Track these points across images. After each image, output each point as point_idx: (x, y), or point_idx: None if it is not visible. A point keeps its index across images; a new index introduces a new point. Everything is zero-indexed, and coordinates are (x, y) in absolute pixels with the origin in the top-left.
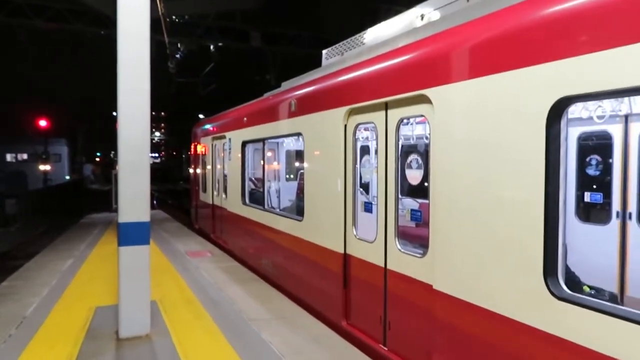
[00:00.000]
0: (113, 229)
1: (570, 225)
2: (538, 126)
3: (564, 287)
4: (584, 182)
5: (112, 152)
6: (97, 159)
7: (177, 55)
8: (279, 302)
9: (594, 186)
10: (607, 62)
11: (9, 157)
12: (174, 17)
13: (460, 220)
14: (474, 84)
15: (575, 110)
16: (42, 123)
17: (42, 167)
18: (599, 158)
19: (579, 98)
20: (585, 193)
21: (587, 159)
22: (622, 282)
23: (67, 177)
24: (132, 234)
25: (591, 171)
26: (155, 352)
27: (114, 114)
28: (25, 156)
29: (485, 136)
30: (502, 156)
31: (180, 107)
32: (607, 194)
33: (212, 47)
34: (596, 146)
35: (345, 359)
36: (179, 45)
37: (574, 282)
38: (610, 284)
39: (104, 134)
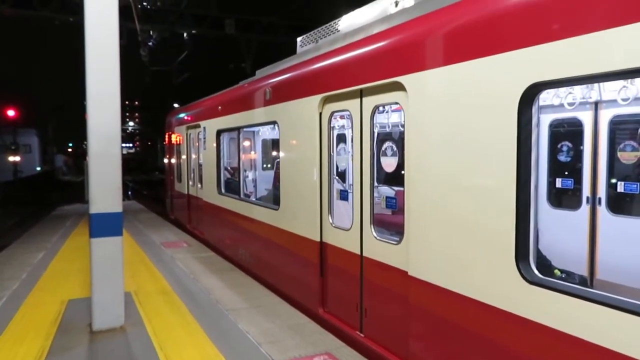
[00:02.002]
0: (86, 220)
1: (542, 210)
2: (510, 113)
3: (535, 271)
4: (555, 169)
5: (85, 143)
6: (69, 150)
7: (150, 43)
8: (255, 291)
9: (565, 172)
10: (577, 48)
11: None
12: (145, 3)
13: (435, 206)
14: (447, 71)
15: (547, 98)
16: (10, 113)
17: (11, 159)
18: (569, 144)
19: (550, 84)
20: (557, 179)
21: (559, 146)
22: (592, 265)
23: (38, 169)
24: (104, 225)
25: (562, 157)
26: (130, 344)
27: (85, 103)
28: None
29: (459, 123)
30: (475, 143)
31: (155, 96)
32: (578, 180)
33: (185, 34)
34: (567, 133)
35: (322, 346)
36: (151, 32)
37: (545, 266)
38: (581, 267)
39: (75, 124)
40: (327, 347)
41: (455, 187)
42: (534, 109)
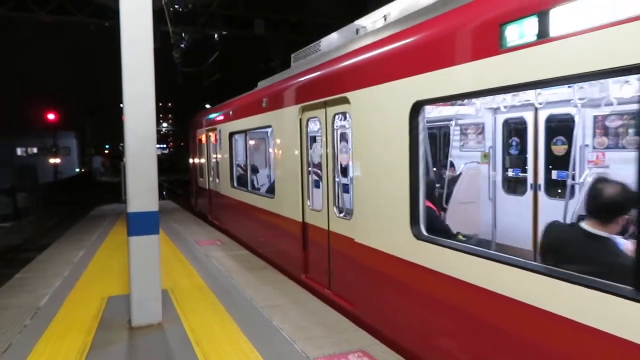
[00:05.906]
0: (123, 219)
1: (500, 196)
2: (404, 121)
3: (423, 231)
4: (508, 161)
5: (121, 144)
6: (106, 151)
7: (182, 45)
8: (288, 288)
9: (515, 163)
10: (444, 77)
11: (19, 151)
12: (176, 6)
13: (366, 189)
14: (369, 91)
15: (505, 101)
16: (51, 116)
17: (52, 160)
18: (517, 140)
19: (427, 102)
20: (509, 170)
21: (510, 141)
22: (535, 239)
23: (77, 170)
24: (142, 224)
25: (513, 151)
26: (168, 340)
27: (121, 105)
28: (35, 150)
29: (377, 128)
30: (386, 142)
31: (187, 97)
32: (524, 170)
33: (216, 36)
34: (517, 129)
35: (356, 343)
36: (183, 34)
37: (450, 232)
38: (526, 241)
39: (111, 126)
40: (361, 344)
41: (377, 175)
42: (420, 118)
